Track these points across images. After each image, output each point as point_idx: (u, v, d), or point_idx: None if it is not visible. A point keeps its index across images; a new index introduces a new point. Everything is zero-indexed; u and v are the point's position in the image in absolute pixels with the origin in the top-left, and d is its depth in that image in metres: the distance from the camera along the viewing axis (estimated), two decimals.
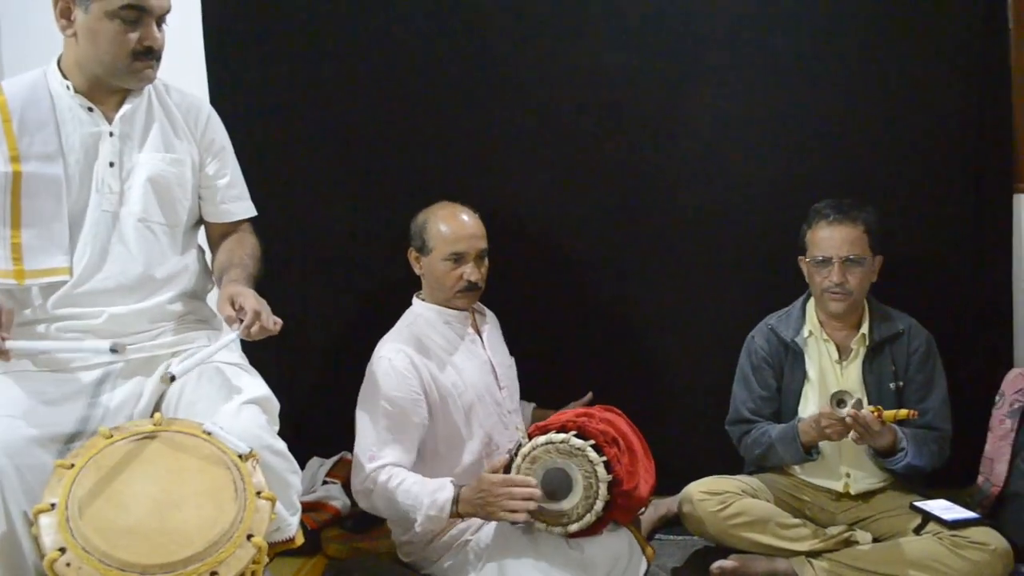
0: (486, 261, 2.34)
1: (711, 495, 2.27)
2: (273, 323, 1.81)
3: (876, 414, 2.14)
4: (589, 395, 2.54)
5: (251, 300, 1.81)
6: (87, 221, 1.89)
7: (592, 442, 2.00)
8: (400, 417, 2.17)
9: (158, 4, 1.87)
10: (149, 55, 1.88)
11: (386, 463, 2.14)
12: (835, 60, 2.60)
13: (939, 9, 2.53)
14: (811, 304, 2.43)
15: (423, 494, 2.08)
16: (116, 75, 1.89)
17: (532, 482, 2.00)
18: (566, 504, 2.00)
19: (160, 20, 1.90)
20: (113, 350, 1.67)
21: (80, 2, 1.83)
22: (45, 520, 1.49)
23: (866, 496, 2.33)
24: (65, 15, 1.86)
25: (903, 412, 2.15)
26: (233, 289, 1.86)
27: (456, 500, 2.06)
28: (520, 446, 2.05)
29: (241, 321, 1.79)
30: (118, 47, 1.85)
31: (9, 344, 1.67)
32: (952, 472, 2.37)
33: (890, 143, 2.61)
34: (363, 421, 2.21)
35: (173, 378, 1.75)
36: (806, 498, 2.36)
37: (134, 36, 1.85)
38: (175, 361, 1.84)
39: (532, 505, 1.98)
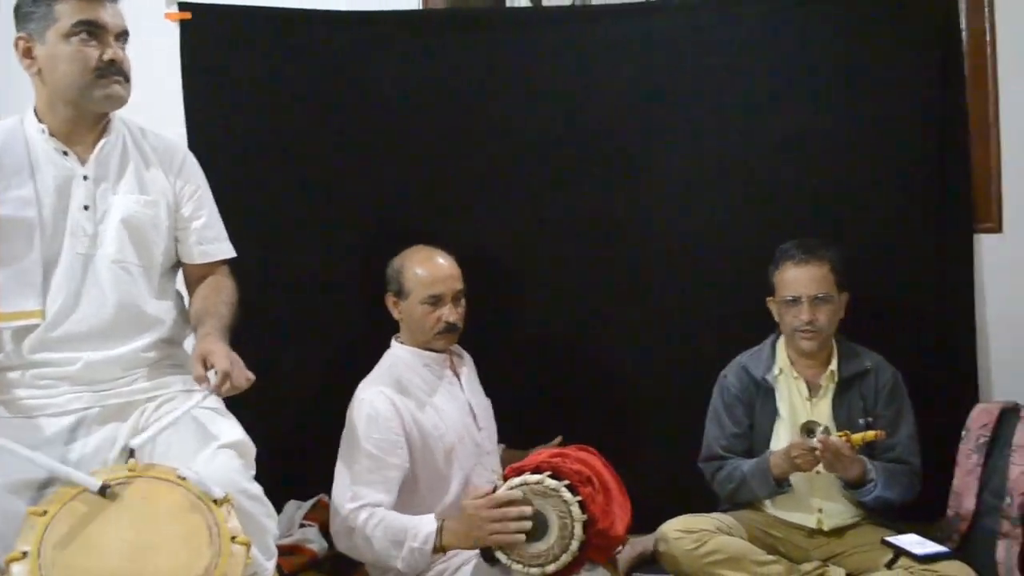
0: (463, 302, 2.36)
1: (686, 533, 2.27)
2: (245, 380, 1.79)
3: (844, 438, 2.19)
4: (558, 439, 2.54)
5: (222, 360, 1.77)
6: (61, 264, 1.88)
7: (567, 482, 2.01)
8: (380, 459, 2.17)
9: (112, 21, 1.85)
10: (113, 70, 1.85)
11: (366, 503, 2.13)
12: (803, 106, 2.66)
13: (900, 58, 2.62)
14: (781, 343, 2.48)
15: (406, 528, 2.08)
16: (85, 98, 1.86)
17: (517, 496, 2.00)
18: (542, 545, 2.00)
19: (119, 40, 1.88)
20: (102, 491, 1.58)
21: (38, 36, 1.84)
22: (17, 568, 1.46)
23: (839, 532, 2.35)
24: (27, 54, 1.87)
25: (871, 434, 2.21)
26: (205, 347, 1.82)
27: (440, 531, 2.06)
28: (496, 488, 2.06)
29: (210, 381, 1.76)
30: (80, 65, 1.83)
31: None
32: (923, 507, 2.40)
33: (856, 186, 2.67)
34: (343, 463, 2.20)
35: (132, 453, 1.70)
36: (779, 535, 2.38)
37: (95, 52, 1.84)
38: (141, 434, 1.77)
39: (526, 524, 1.98)
